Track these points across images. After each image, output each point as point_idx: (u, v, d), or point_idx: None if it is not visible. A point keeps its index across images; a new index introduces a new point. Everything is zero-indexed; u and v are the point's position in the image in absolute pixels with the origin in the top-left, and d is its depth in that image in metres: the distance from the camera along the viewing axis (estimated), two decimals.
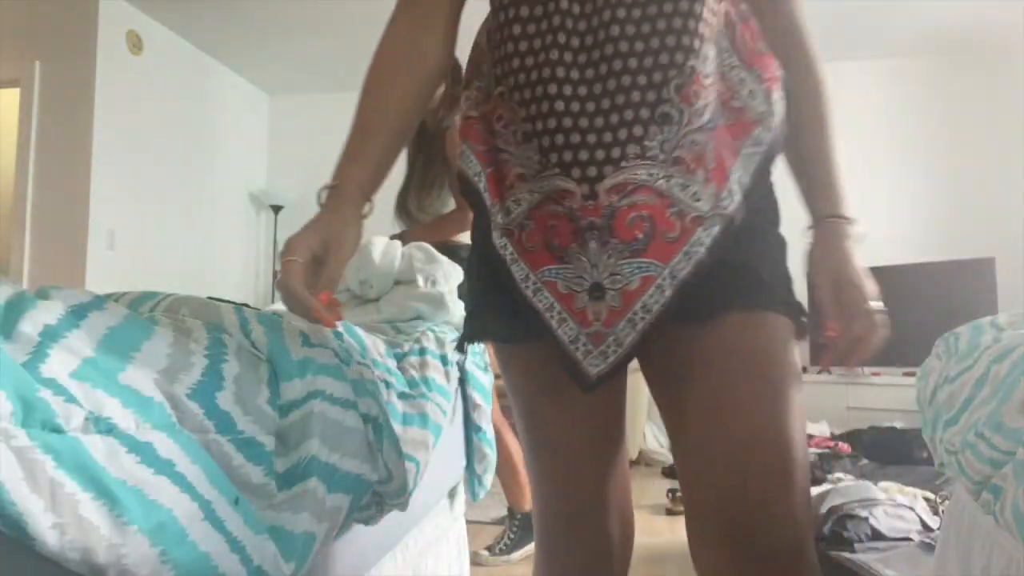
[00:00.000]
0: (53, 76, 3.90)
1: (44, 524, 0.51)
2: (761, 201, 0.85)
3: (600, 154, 0.78)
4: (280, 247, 5.33)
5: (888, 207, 4.71)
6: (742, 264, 0.80)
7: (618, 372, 0.80)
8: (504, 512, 2.84)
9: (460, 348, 0.95)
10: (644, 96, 0.77)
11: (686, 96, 0.77)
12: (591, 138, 0.78)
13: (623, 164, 0.77)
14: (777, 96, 0.84)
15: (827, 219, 0.94)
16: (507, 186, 0.84)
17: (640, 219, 0.77)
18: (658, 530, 2.69)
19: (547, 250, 0.80)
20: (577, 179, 0.78)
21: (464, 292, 1.08)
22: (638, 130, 0.77)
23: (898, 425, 3.72)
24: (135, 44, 4.15)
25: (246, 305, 1.25)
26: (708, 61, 0.80)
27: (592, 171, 0.78)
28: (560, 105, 0.78)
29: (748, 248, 0.81)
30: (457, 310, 1.76)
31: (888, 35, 4.45)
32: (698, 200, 0.78)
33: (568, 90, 0.78)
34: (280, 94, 5.57)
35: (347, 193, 0.88)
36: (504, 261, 0.83)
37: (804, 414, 0.78)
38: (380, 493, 1.02)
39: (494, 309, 0.88)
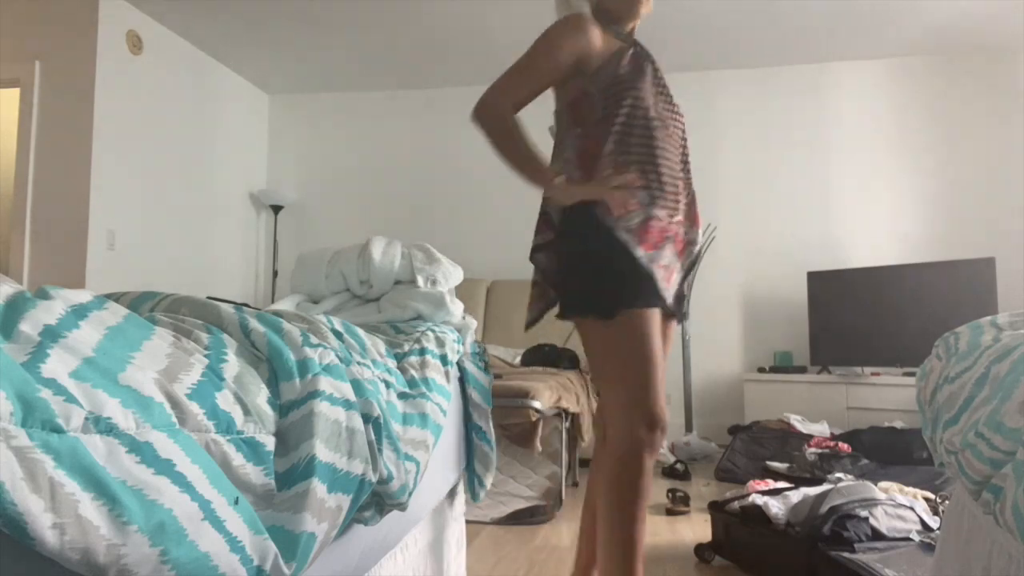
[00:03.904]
0: (53, 76, 3.90)
1: (44, 524, 0.51)
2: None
3: None
4: (280, 247, 5.34)
5: (888, 207, 4.71)
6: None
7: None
8: (502, 512, 2.85)
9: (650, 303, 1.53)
10: None
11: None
12: None
13: None
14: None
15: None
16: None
17: None
18: (658, 530, 2.69)
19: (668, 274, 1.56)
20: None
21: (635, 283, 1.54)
22: None
23: (898, 425, 3.72)
24: (135, 44, 4.15)
25: (246, 305, 1.25)
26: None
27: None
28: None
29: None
30: (457, 310, 1.76)
31: (888, 35, 4.45)
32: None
33: None
34: (280, 94, 5.57)
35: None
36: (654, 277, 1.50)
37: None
38: (380, 493, 1.02)
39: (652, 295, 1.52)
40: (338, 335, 1.15)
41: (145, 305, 1.02)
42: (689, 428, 4.65)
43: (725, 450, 3.81)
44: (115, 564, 0.56)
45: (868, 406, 4.04)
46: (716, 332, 4.85)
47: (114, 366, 0.66)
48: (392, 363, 1.31)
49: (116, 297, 1.03)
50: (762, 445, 3.68)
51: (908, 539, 1.90)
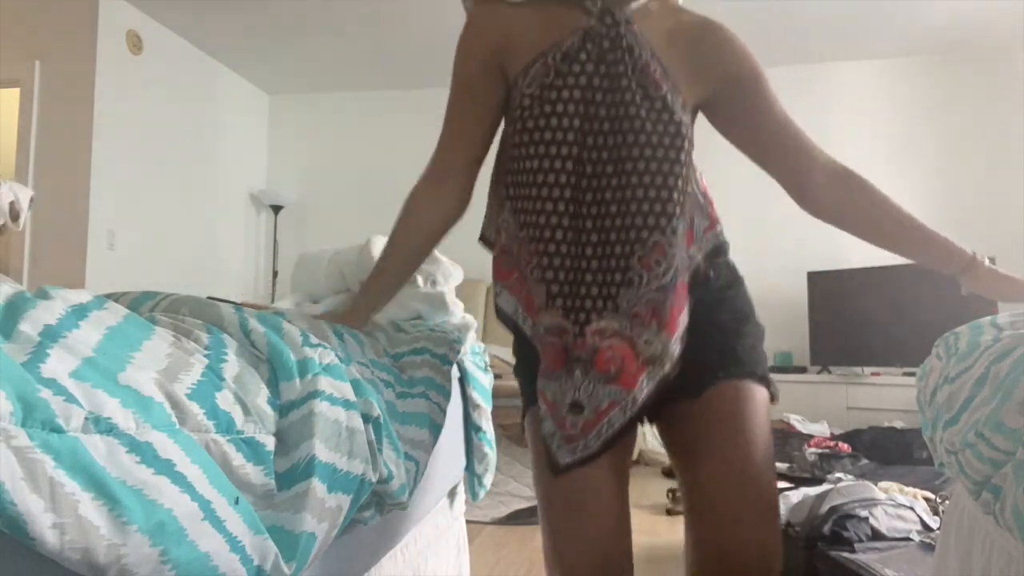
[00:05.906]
0: (53, 76, 3.90)
1: (44, 524, 0.51)
2: (731, 302, 1.17)
3: (588, 303, 1.00)
4: (280, 247, 5.33)
5: None
6: (722, 349, 1.07)
7: (586, 463, 1.01)
8: (502, 512, 2.84)
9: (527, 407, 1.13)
10: (617, 263, 1.00)
11: (647, 265, 1.00)
12: (582, 290, 1.00)
13: (604, 314, 1.00)
14: (716, 231, 1.19)
15: (973, 259, 1.25)
16: (534, 309, 1.05)
17: (613, 357, 0.99)
18: (658, 530, 2.69)
19: (545, 367, 1.03)
20: (571, 321, 1.00)
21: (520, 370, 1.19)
22: (612, 290, 1.00)
23: (898, 425, 3.72)
24: (135, 44, 4.15)
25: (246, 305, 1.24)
26: (676, 232, 1.01)
27: (582, 316, 1.00)
28: (557, 261, 1.01)
29: (726, 338, 1.09)
30: (457, 310, 1.76)
31: (888, 35, 4.45)
32: (649, 345, 1.00)
33: (564, 249, 1.01)
34: (280, 94, 5.57)
35: (360, 314, 1.30)
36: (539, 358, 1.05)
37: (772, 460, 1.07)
38: (380, 493, 1.02)
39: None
40: (338, 335, 1.15)
41: (145, 305, 1.02)
42: None
43: None
44: (115, 564, 0.56)
45: (868, 406, 4.03)
46: None
47: (114, 366, 0.66)
48: (392, 363, 1.31)
49: (116, 297, 1.02)
50: None
51: (908, 539, 1.90)
